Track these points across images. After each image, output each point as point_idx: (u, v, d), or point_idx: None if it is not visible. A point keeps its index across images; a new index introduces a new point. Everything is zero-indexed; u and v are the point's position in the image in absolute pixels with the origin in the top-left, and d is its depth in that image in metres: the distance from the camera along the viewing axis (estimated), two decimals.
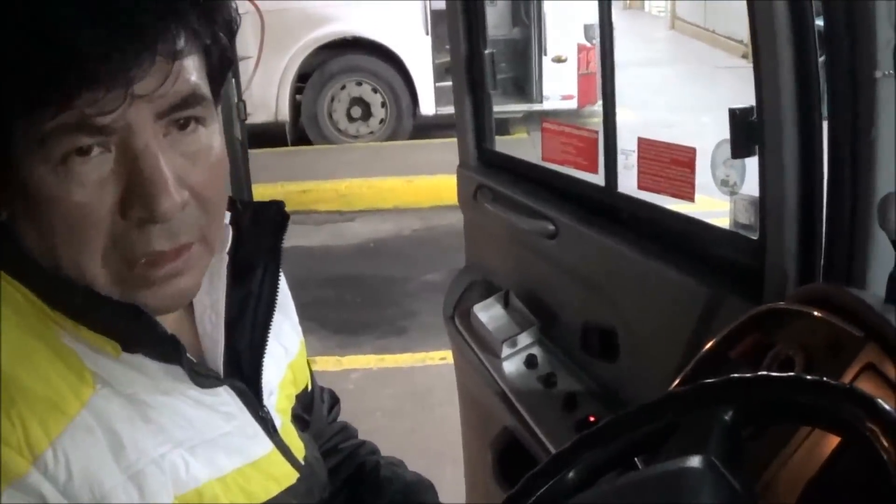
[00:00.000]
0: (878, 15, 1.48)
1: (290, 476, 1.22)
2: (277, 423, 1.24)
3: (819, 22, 1.58)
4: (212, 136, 1.05)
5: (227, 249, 1.19)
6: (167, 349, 1.06)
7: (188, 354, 1.08)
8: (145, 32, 0.92)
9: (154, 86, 0.94)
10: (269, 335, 1.23)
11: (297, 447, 1.28)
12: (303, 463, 1.27)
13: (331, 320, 5.95)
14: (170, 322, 1.13)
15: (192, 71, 1.00)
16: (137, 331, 1.04)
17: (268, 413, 1.22)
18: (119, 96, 0.92)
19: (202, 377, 1.10)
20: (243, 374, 1.20)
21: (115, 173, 0.97)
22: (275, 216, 1.25)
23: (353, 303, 6.43)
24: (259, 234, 1.23)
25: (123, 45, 0.91)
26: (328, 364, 5.29)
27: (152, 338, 1.04)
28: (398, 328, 5.93)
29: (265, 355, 1.23)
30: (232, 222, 1.21)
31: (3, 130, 0.95)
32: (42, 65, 0.90)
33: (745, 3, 1.65)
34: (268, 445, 1.20)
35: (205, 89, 1.02)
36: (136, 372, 1.06)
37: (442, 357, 5.01)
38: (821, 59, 1.60)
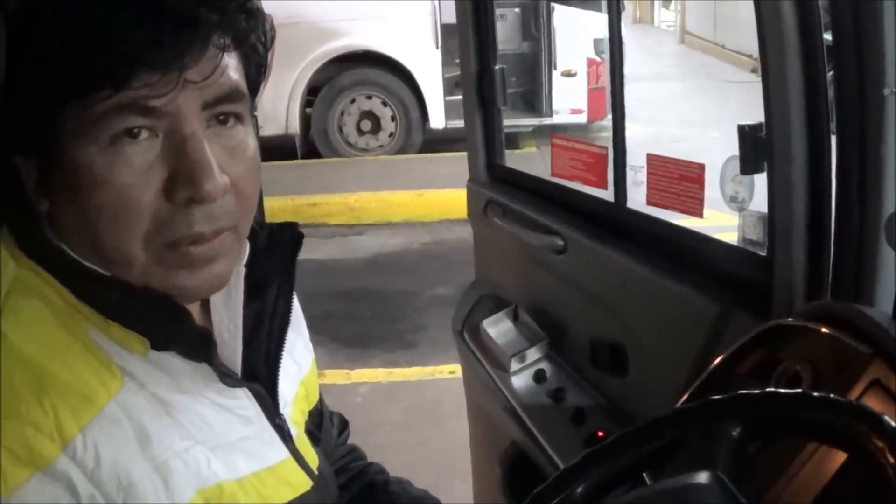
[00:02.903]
0: (886, 31, 1.48)
1: (304, 484, 1.24)
2: (294, 432, 1.26)
3: (828, 37, 1.59)
4: (248, 135, 1.11)
5: (245, 262, 1.22)
6: (197, 345, 1.09)
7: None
8: (199, 23, 0.98)
9: (204, 74, 1.00)
10: (284, 350, 1.25)
11: (312, 458, 1.30)
12: (316, 473, 1.28)
13: (340, 334, 5.95)
14: None
15: (235, 69, 1.06)
16: (170, 324, 1.08)
17: (284, 421, 1.24)
18: (172, 80, 0.98)
19: (227, 377, 1.13)
20: (261, 384, 1.22)
21: (162, 158, 1.01)
22: (289, 237, 1.28)
23: (362, 316, 6.42)
24: (274, 253, 1.26)
25: (179, 33, 0.97)
26: (337, 377, 5.29)
27: (184, 331, 1.08)
28: (407, 342, 5.92)
29: (280, 370, 1.25)
30: (252, 237, 1.23)
31: (56, 113, 0.99)
32: (102, 48, 0.96)
33: (754, 18, 1.66)
34: (284, 452, 1.22)
35: (245, 88, 1.08)
36: (161, 372, 1.08)
37: (451, 371, 5.01)
38: (829, 76, 1.61)
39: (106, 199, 1.01)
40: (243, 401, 1.17)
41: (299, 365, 1.38)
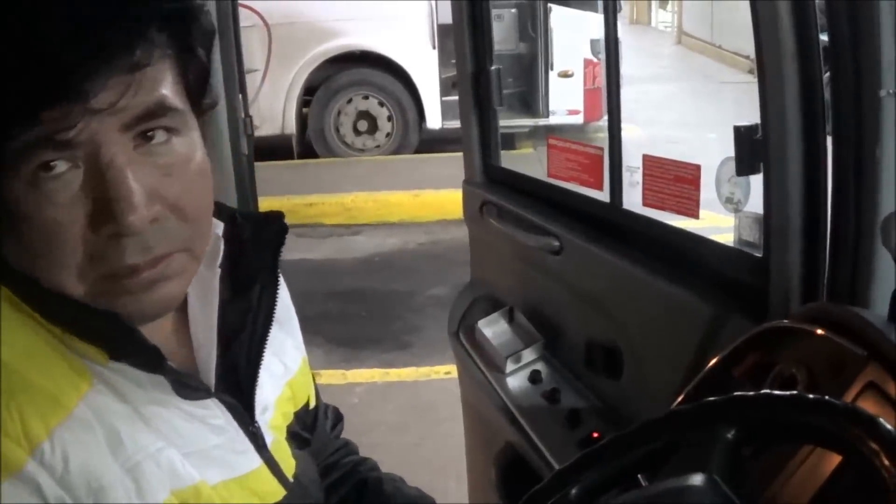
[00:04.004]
0: (883, 33, 1.48)
1: (275, 493, 1.21)
2: (269, 439, 1.23)
3: (824, 38, 1.58)
4: (189, 147, 1.05)
5: (220, 263, 1.19)
6: (149, 359, 1.05)
7: (175, 366, 1.09)
8: (99, 46, 0.92)
9: (113, 99, 0.94)
10: (268, 351, 1.23)
11: (288, 465, 1.27)
12: (292, 481, 1.26)
13: (336, 334, 5.94)
14: (164, 334, 1.14)
15: (160, 82, 0.99)
16: (118, 339, 1.04)
17: (259, 429, 1.21)
18: (78, 111, 0.92)
19: (187, 389, 1.10)
20: (239, 388, 1.20)
21: (84, 189, 0.97)
22: (274, 229, 1.24)
23: (358, 317, 6.43)
24: (258, 249, 1.23)
25: (77, 60, 0.91)
26: (333, 378, 5.29)
27: (133, 346, 1.04)
28: (403, 342, 5.92)
29: (263, 372, 1.23)
30: (232, 235, 1.22)
31: None
32: (2, 84, 0.91)
33: (751, 19, 1.66)
34: (256, 461, 1.19)
35: (174, 100, 1.02)
36: (127, 380, 1.06)
37: (447, 372, 5.01)
38: (826, 78, 1.61)
39: (34, 234, 0.98)
40: (213, 410, 1.14)
41: (286, 366, 1.35)
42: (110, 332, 1.03)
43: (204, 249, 1.11)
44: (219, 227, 1.20)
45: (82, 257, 0.99)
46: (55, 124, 0.92)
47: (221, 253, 1.19)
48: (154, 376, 1.07)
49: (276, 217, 1.25)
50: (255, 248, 1.23)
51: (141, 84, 0.96)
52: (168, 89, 1.01)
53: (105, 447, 1.01)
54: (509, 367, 2.48)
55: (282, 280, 1.32)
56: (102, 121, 0.95)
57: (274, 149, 9.63)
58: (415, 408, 4.93)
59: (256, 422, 1.21)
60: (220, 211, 1.21)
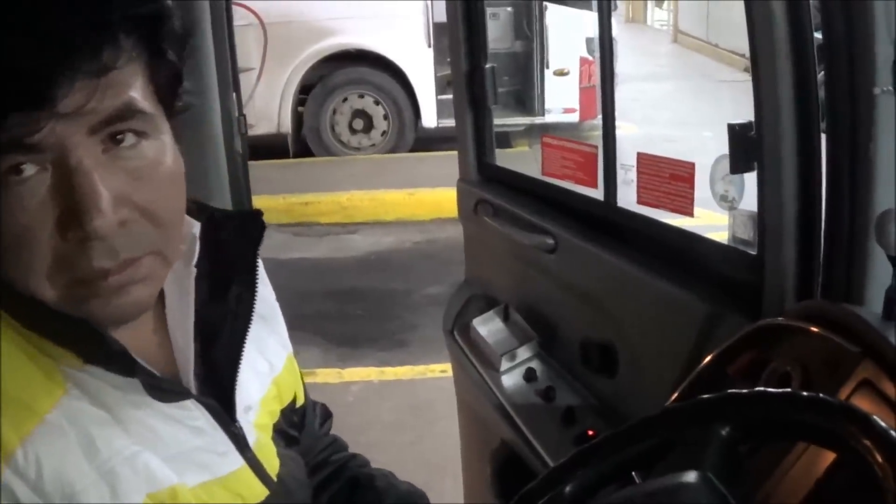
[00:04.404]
0: (877, 31, 1.48)
1: (258, 494, 1.21)
2: (252, 438, 1.23)
3: (818, 36, 1.58)
4: (159, 151, 1.04)
5: (195, 262, 1.19)
6: (120, 363, 1.05)
7: (156, 367, 1.09)
8: (65, 51, 0.92)
9: (80, 102, 0.94)
10: (251, 350, 1.23)
11: (272, 465, 1.27)
12: (275, 481, 1.25)
13: (332, 333, 5.95)
14: (145, 336, 1.14)
15: (128, 85, 0.99)
16: (89, 344, 1.04)
17: (240, 429, 1.20)
18: (45, 115, 0.92)
19: (162, 391, 1.10)
20: (220, 388, 1.19)
21: (53, 193, 0.96)
22: (252, 227, 1.24)
23: (355, 315, 6.42)
24: (237, 245, 1.23)
25: (43, 65, 0.91)
26: (329, 377, 5.30)
27: (104, 351, 1.04)
28: (399, 341, 5.92)
29: (247, 370, 1.23)
30: (210, 234, 1.21)
31: None
32: None
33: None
34: (238, 462, 1.19)
35: (143, 103, 1.01)
36: (104, 382, 1.06)
37: (442, 370, 5.00)
38: (820, 75, 1.61)
39: (5, 238, 0.97)
40: (193, 411, 1.14)
41: (272, 363, 1.35)
42: (81, 336, 1.03)
43: (176, 252, 1.11)
44: (196, 226, 1.20)
45: (52, 262, 0.98)
46: (22, 128, 0.92)
47: (197, 252, 1.19)
48: (130, 379, 1.07)
49: (255, 215, 1.25)
50: (233, 247, 1.23)
51: (108, 87, 0.96)
52: (137, 92, 1.00)
53: (79, 452, 1.01)
54: (504, 365, 2.48)
55: (264, 277, 1.32)
56: (69, 124, 0.94)
57: (270, 148, 9.62)
58: (411, 406, 4.93)
59: (238, 422, 1.20)
60: (199, 210, 1.22)
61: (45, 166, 0.96)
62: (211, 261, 1.21)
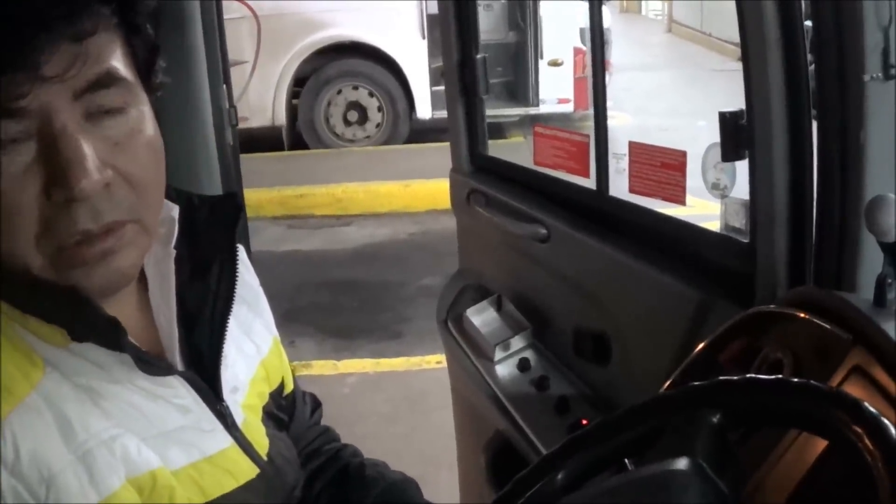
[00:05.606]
0: (866, 18, 1.48)
1: (248, 472, 1.22)
2: (240, 418, 1.24)
3: (808, 23, 1.58)
4: (140, 121, 1.07)
5: (174, 244, 1.21)
6: (109, 334, 1.06)
7: (137, 343, 1.10)
8: (42, 16, 0.95)
9: (63, 67, 0.97)
10: (237, 332, 1.26)
11: (261, 444, 1.28)
12: (265, 459, 1.26)
13: (327, 325, 5.97)
14: (128, 315, 1.14)
15: (108, 52, 1.02)
16: (78, 314, 1.05)
17: (227, 408, 1.22)
18: (29, 79, 0.95)
19: (150, 365, 1.11)
20: (205, 368, 1.21)
21: (38, 158, 0.99)
22: (229, 209, 1.26)
23: (350, 307, 6.43)
24: (216, 229, 1.25)
25: (25, 29, 0.94)
26: (324, 368, 5.29)
27: (93, 321, 1.05)
28: (394, 332, 5.93)
29: (233, 352, 1.25)
30: (188, 217, 1.23)
31: None
32: None
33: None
34: (226, 440, 1.20)
35: (124, 71, 1.04)
36: (86, 361, 1.07)
37: (437, 361, 5.01)
38: (810, 63, 1.61)
39: None
40: (178, 389, 1.15)
41: (258, 346, 1.37)
42: (68, 306, 1.05)
43: (155, 223, 1.13)
44: (175, 209, 1.22)
45: (38, 227, 1.00)
46: (7, 93, 0.95)
47: (176, 234, 1.21)
48: (116, 355, 1.08)
49: (231, 197, 1.28)
50: (211, 229, 1.25)
51: (89, 53, 0.99)
52: (118, 61, 1.04)
53: (56, 434, 1.02)
54: (498, 354, 2.48)
55: (247, 262, 1.36)
56: (53, 89, 0.97)
57: (264, 140, 9.64)
58: (406, 397, 4.93)
59: (224, 401, 1.22)
60: (178, 195, 1.24)
61: (30, 132, 0.98)
62: (190, 243, 1.23)
